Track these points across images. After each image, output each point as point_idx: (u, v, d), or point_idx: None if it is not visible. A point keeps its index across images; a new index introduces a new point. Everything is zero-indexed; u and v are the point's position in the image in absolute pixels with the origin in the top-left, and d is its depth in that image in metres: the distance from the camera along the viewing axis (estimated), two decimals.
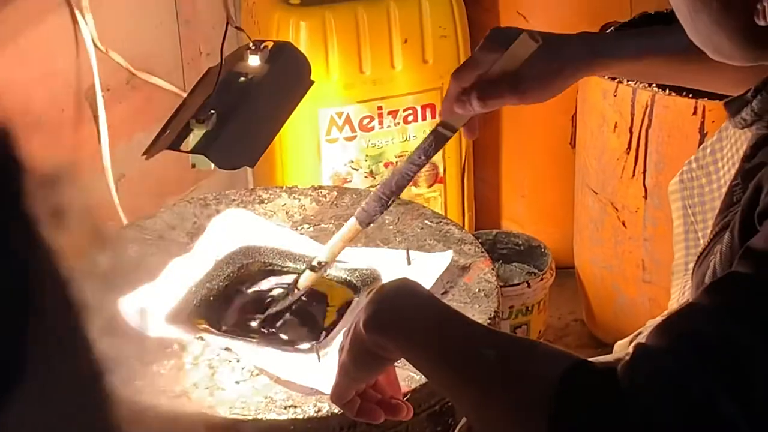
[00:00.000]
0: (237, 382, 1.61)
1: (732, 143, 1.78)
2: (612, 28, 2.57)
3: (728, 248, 1.16)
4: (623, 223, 2.60)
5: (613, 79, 2.52)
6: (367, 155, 2.63)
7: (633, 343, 1.64)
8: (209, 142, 1.69)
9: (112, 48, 2.35)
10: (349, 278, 1.84)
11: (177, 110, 1.80)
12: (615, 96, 2.51)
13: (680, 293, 1.78)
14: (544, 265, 2.76)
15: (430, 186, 2.74)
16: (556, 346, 1.10)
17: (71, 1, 2.25)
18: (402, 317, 1.17)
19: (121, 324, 1.70)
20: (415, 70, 2.61)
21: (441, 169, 2.74)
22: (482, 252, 1.90)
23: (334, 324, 1.74)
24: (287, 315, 1.76)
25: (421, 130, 2.64)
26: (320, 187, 2.15)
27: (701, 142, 2.33)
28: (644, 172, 2.51)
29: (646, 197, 2.52)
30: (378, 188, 1.64)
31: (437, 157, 2.70)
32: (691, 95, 2.40)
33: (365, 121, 2.60)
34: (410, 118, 2.63)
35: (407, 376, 1.55)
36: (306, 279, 1.74)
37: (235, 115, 1.72)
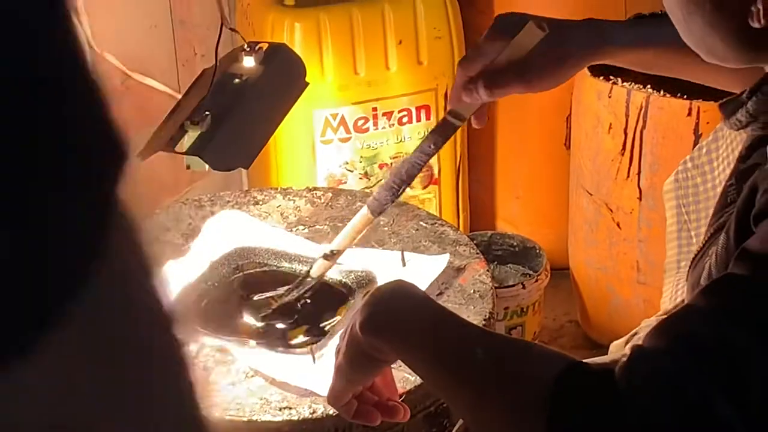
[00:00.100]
0: (232, 384, 1.61)
1: (728, 143, 1.78)
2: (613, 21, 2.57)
3: (723, 249, 1.16)
4: (618, 225, 2.60)
5: (608, 80, 2.52)
6: (361, 156, 2.63)
7: (629, 344, 1.64)
8: (204, 144, 1.68)
9: (107, 49, 2.35)
10: (344, 280, 1.84)
11: (171, 111, 1.79)
12: (610, 97, 2.52)
13: (673, 291, 1.78)
14: (539, 267, 2.76)
15: (425, 187, 2.74)
16: (551, 347, 1.10)
17: None
18: (398, 319, 1.17)
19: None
20: (409, 72, 2.61)
21: (436, 171, 2.74)
22: (477, 253, 1.90)
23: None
24: (298, 305, 1.76)
25: (415, 131, 2.64)
26: (315, 189, 2.15)
27: (696, 143, 2.33)
28: (639, 174, 2.51)
29: (640, 198, 2.53)
30: (388, 178, 1.63)
31: (432, 159, 2.70)
32: (685, 96, 2.40)
33: (360, 123, 2.60)
34: (405, 119, 2.63)
35: (403, 377, 1.55)
36: (319, 267, 1.74)
37: (229, 116, 1.72)
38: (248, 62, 1.80)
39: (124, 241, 0.43)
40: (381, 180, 2.63)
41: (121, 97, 2.46)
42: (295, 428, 1.55)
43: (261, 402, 1.57)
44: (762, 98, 1.15)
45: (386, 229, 1.97)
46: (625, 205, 2.56)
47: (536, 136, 2.96)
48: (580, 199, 2.70)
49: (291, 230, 1.99)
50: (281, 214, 2.05)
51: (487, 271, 1.85)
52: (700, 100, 2.37)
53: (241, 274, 1.88)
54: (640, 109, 2.46)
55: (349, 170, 2.63)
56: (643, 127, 2.47)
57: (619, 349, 1.68)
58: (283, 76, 1.85)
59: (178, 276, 1.82)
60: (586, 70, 2.53)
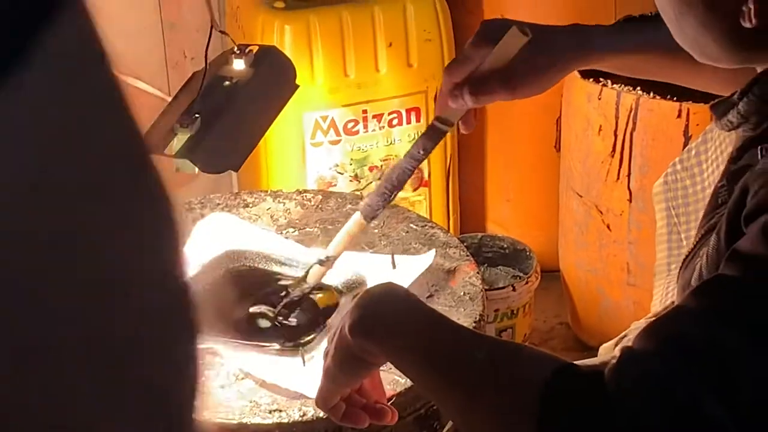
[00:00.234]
0: (222, 386, 1.61)
1: (717, 145, 1.78)
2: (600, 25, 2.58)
3: (714, 251, 1.16)
4: (608, 227, 2.60)
5: (598, 81, 2.52)
6: (352, 159, 2.62)
7: (619, 346, 1.64)
8: (193, 146, 1.68)
9: None
10: (334, 283, 1.84)
11: (161, 114, 1.79)
12: (599, 99, 2.52)
13: (663, 294, 1.78)
14: (529, 269, 2.77)
15: (415, 190, 2.74)
16: (541, 349, 1.10)
17: None
18: (388, 321, 1.17)
19: None
20: (399, 74, 2.61)
21: (426, 173, 2.74)
22: (467, 255, 1.90)
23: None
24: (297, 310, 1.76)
25: (406, 133, 2.64)
26: (305, 191, 2.15)
27: (685, 145, 2.34)
28: (629, 176, 2.51)
29: (630, 200, 2.53)
30: (380, 183, 1.64)
31: (422, 161, 2.70)
32: (675, 98, 2.40)
33: (350, 125, 2.60)
34: (395, 121, 2.63)
35: (392, 379, 1.55)
36: (315, 274, 1.74)
37: (219, 119, 1.72)
38: (238, 65, 1.80)
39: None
40: (371, 182, 2.63)
41: None
42: (284, 431, 1.55)
43: (251, 405, 1.57)
44: (753, 99, 1.15)
45: (376, 231, 1.97)
46: (615, 207, 2.57)
47: (526, 138, 2.96)
48: (570, 201, 2.70)
49: (281, 233, 1.99)
50: (271, 217, 2.05)
51: (477, 273, 1.85)
52: (690, 102, 2.37)
53: (230, 276, 1.87)
54: (630, 111, 2.46)
55: (339, 173, 2.63)
56: (633, 129, 2.47)
57: (608, 351, 1.68)
58: (273, 78, 1.84)
59: None
60: (576, 72, 2.54)
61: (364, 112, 2.60)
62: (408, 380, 1.50)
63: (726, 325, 0.97)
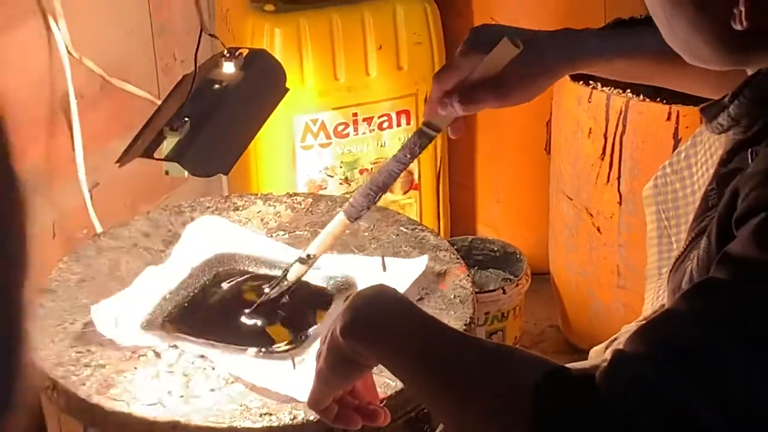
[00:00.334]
0: (212, 390, 1.61)
1: (706, 148, 1.78)
2: (590, 29, 2.58)
3: (705, 254, 1.16)
4: (598, 229, 2.60)
5: (587, 84, 2.53)
6: (342, 162, 2.62)
7: (609, 350, 1.64)
8: (182, 150, 1.68)
9: (86, 55, 2.34)
10: (324, 285, 1.84)
11: (151, 118, 1.79)
12: (589, 102, 2.52)
13: (654, 297, 1.78)
14: (519, 271, 2.77)
15: (405, 192, 2.74)
16: (532, 352, 1.10)
17: (44, 8, 2.24)
18: (379, 323, 1.17)
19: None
20: (389, 77, 2.61)
21: (416, 176, 2.74)
22: (458, 258, 1.90)
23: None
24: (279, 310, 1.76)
25: (396, 136, 2.64)
26: (295, 194, 2.14)
27: (675, 147, 2.34)
28: (619, 178, 2.52)
29: (620, 203, 2.53)
30: (365, 185, 1.65)
31: (412, 164, 2.70)
32: (665, 101, 2.41)
33: (340, 128, 2.60)
34: (385, 124, 2.63)
35: (384, 382, 1.55)
36: (296, 271, 1.74)
37: (209, 122, 1.71)
38: (228, 68, 1.80)
39: None
40: (361, 185, 2.63)
41: (100, 103, 2.45)
42: None
43: (241, 408, 1.57)
44: (744, 102, 1.15)
45: (366, 234, 1.97)
46: (605, 209, 2.57)
47: (516, 141, 2.96)
48: (561, 204, 2.70)
49: (271, 236, 1.99)
50: (261, 220, 2.05)
51: (468, 276, 1.85)
52: (680, 104, 2.37)
53: (221, 280, 1.87)
54: (620, 114, 2.47)
55: (329, 176, 2.63)
56: (623, 131, 2.47)
57: (599, 355, 1.68)
58: (263, 82, 1.84)
59: (158, 282, 1.81)
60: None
61: (354, 115, 2.60)
62: (399, 383, 1.50)
63: (717, 328, 0.97)
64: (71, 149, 2.33)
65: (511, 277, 2.81)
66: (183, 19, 2.64)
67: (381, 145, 2.64)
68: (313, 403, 1.26)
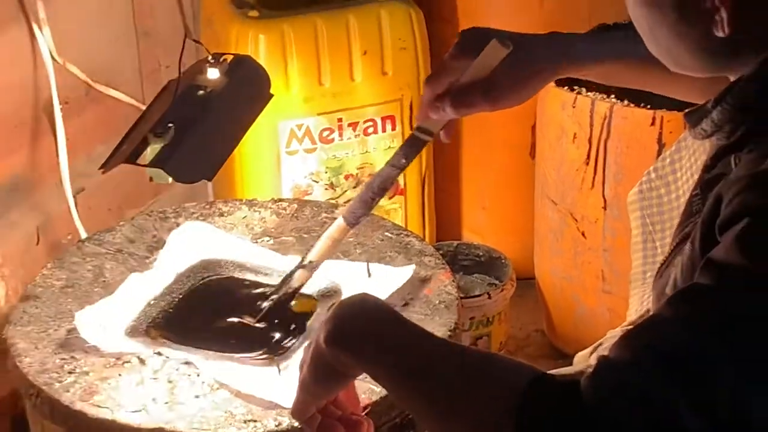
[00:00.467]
0: (196, 397, 1.60)
1: (690, 153, 1.78)
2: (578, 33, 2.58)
3: (689, 259, 1.17)
4: (583, 234, 2.60)
5: (572, 90, 2.53)
6: (327, 167, 2.62)
7: (594, 355, 1.64)
8: (166, 156, 1.68)
9: (70, 60, 2.34)
10: (309, 291, 1.83)
11: (135, 123, 1.79)
12: (574, 107, 2.52)
13: (639, 302, 1.78)
14: (504, 276, 2.77)
15: (391, 198, 2.74)
16: (516, 359, 1.10)
17: (28, 13, 2.24)
18: (363, 333, 1.17)
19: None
20: (374, 82, 2.61)
21: (402, 181, 2.74)
22: (443, 264, 1.90)
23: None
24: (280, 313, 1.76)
25: (381, 141, 2.64)
26: (280, 200, 2.14)
27: (659, 152, 2.35)
28: (603, 183, 2.52)
29: (605, 208, 2.53)
30: (362, 191, 1.65)
31: None
32: (649, 106, 2.41)
33: (325, 133, 2.60)
34: (370, 129, 2.63)
35: (367, 388, 1.55)
36: (299, 278, 1.74)
37: (193, 128, 1.71)
38: (212, 74, 1.80)
39: None
40: (346, 191, 2.63)
41: (84, 108, 2.45)
42: None
43: (226, 415, 1.57)
44: (727, 108, 1.16)
45: (351, 239, 1.97)
46: (590, 214, 2.57)
47: (501, 146, 2.96)
48: (545, 209, 2.71)
49: (256, 241, 1.99)
50: (246, 226, 2.04)
51: (453, 281, 1.85)
52: (664, 110, 2.38)
53: (206, 286, 1.87)
54: (604, 119, 2.47)
55: (314, 181, 2.62)
56: (607, 136, 2.48)
57: (583, 360, 1.68)
58: (248, 87, 1.84)
59: (143, 288, 1.81)
60: None
61: (339, 120, 2.60)
62: (383, 389, 1.50)
63: (703, 334, 0.97)
64: (56, 155, 2.33)
65: (497, 282, 2.81)
66: (168, 24, 2.63)
67: (366, 151, 2.64)
68: (297, 412, 1.26)
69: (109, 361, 1.67)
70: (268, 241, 1.99)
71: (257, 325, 1.75)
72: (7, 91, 2.25)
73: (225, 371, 1.64)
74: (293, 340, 1.71)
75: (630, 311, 1.81)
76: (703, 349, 0.96)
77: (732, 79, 1.19)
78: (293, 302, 1.78)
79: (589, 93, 2.50)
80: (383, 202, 2.70)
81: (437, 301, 1.80)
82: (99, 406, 1.58)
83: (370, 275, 1.83)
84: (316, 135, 2.59)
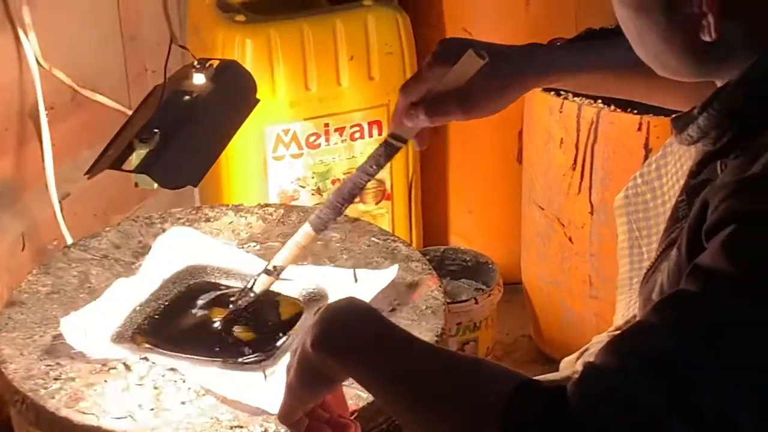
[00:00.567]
0: (182, 403, 1.60)
1: (677, 159, 1.79)
2: (558, 44, 2.58)
3: (675, 265, 1.17)
4: (570, 239, 2.60)
5: (559, 95, 2.53)
6: (314, 172, 2.62)
7: (580, 361, 1.64)
8: (152, 162, 1.67)
9: (56, 65, 2.33)
10: (295, 296, 1.83)
11: (121, 129, 1.78)
12: (561, 112, 2.52)
13: (626, 308, 1.78)
14: (491, 281, 2.77)
15: (377, 203, 2.74)
16: (502, 365, 1.09)
17: (14, 18, 2.23)
18: (350, 337, 1.17)
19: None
20: (361, 87, 2.61)
21: (388, 186, 2.74)
22: (429, 269, 1.90)
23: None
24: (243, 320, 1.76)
25: (368, 146, 2.64)
26: (267, 205, 2.14)
27: (646, 158, 2.35)
28: (590, 188, 2.52)
29: (592, 213, 2.53)
30: (331, 196, 1.65)
31: (384, 174, 2.70)
32: (635, 111, 2.41)
33: (312, 139, 2.60)
34: (357, 135, 2.63)
35: (355, 394, 1.55)
36: (262, 283, 1.74)
37: (178, 134, 1.71)
38: (198, 79, 1.79)
39: None
40: (328, 197, 2.63)
41: (70, 113, 2.44)
42: None
43: (212, 421, 1.56)
44: (713, 114, 1.16)
45: (338, 245, 1.97)
46: (577, 219, 2.57)
47: (488, 151, 2.97)
48: (533, 214, 2.71)
49: (243, 247, 1.98)
50: (233, 231, 2.04)
51: (440, 287, 1.85)
52: (650, 115, 2.38)
53: (192, 291, 1.86)
54: (591, 124, 2.47)
55: (301, 186, 2.62)
56: (594, 142, 2.48)
57: (570, 366, 1.68)
58: (234, 93, 1.84)
59: (129, 294, 1.80)
60: None
61: (326, 125, 2.60)
62: (370, 395, 1.49)
63: (690, 340, 0.97)
64: (41, 160, 2.32)
65: (484, 287, 2.81)
66: (154, 29, 2.63)
67: (353, 156, 2.64)
68: (284, 416, 1.26)
69: (95, 367, 1.66)
70: (254, 246, 1.99)
71: (215, 326, 1.75)
72: None
73: (211, 377, 1.63)
74: (279, 345, 1.71)
75: (616, 316, 1.81)
76: (690, 355, 0.96)
77: (719, 84, 1.19)
78: (280, 309, 1.78)
79: (576, 98, 2.51)
80: (370, 207, 2.72)
81: (424, 307, 1.80)
82: (84, 413, 1.57)
83: (356, 281, 1.83)
84: (303, 140, 2.59)
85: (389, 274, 1.82)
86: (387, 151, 1.60)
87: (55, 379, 1.64)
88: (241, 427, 1.55)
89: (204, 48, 2.56)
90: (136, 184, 1.70)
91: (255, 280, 1.75)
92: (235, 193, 2.59)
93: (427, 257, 2.04)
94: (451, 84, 1.48)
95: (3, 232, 2.32)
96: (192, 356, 1.68)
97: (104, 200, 2.58)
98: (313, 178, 2.62)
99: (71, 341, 1.68)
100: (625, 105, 2.43)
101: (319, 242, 1.96)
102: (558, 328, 2.73)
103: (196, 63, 1.81)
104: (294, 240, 1.70)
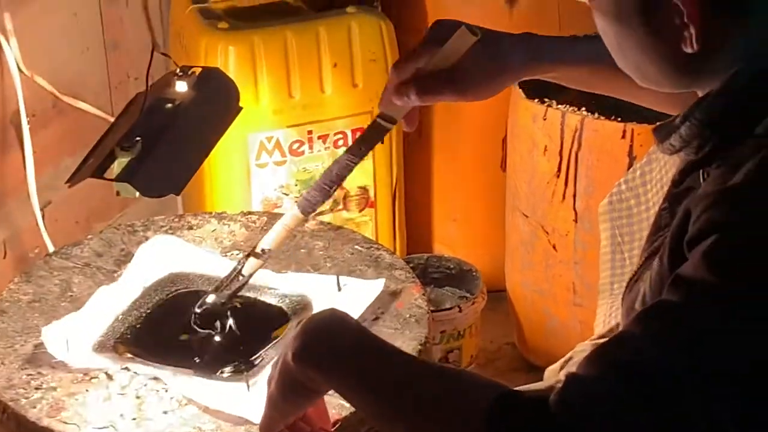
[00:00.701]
0: (165, 412, 1.59)
1: (661, 166, 1.79)
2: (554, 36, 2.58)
3: (657, 275, 1.17)
4: (554, 247, 2.60)
5: (543, 102, 2.53)
6: (297, 180, 2.61)
7: (564, 371, 1.64)
8: (134, 170, 1.66)
9: (38, 72, 2.32)
10: (279, 304, 1.82)
11: (103, 137, 1.77)
12: (545, 120, 2.52)
13: (607, 314, 1.78)
14: (475, 289, 2.76)
15: (361, 210, 2.73)
16: (484, 376, 1.09)
17: None
18: (331, 349, 1.16)
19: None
20: (344, 94, 2.61)
21: (372, 194, 2.73)
22: (413, 277, 1.89)
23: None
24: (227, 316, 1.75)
25: None
26: (250, 213, 2.13)
27: (630, 165, 2.35)
28: (574, 196, 2.52)
29: (576, 221, 2.53)
30: (319, 179, 1.63)
31: (368, 181, 2.70)
32: (619, 119, 2.41)
33: (295, 146, 2.59)
34: (340, 142, 2.63)
35: (338, 404, 1.54)
36: (251, 266, 1.72)
37: (160, 142, 1.70)
38: (181, 87, 1.78)
39: None
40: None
41: (52, 121, 2.43)
42: None
43: (194, 430, 1.56)
44: (694, 123, 1.16)
45: (321, 253, 1.96)
46: (561, 227, 2.57)
47: (472, 158, 2.96)
48: (517, 222, 2.70)
49: (226, 255, 1.97)
50: (216, 239, 2.03)
51: (423, 295, 1.85)
52: (634, 122, 2.38)
53: (174, 300, 1.86)
54: (575, 132, 2.47)
55: (284, 194, 2.62)
56: (578, 149, 2.48)
57: (553, 375, 1.68)
58: (216, 100, 1.83)
59: (111, 303, 1.79)
60: (521, 92, 2.55)
61: (309, 132, 2.60)
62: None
63: (670, 350, 0.97)
64: (23, 167, 2.31)
65: (468, 294, 2.80)
66: (136, 36, 2.62)
67: None
68: (265, 428, 1.25)
69: (77, 376, 1.65)
70: (237, 254, 1.98)
71: (198, 334, 1.74)
72: None
73: (193, 387, 1.62)
74: (262, 355, 1.70)
75: (597, 322, 1.81)
76: (672, 365, 0.97)
77: (700, 94, 1.19)
78: (263, 317, 1.77)
79: (559, 106, 2.51)
80: (353, 215, 2.71)
81: (408, 315, 1.79)
82: (66, 423, 1.56)
83: (340, 289, 1.82)
84: (286, 147, 2.58)
85: (376, 287, 1.81)
86: (376, 133, 1.57)
87: (37, 388, 1.63)
88: None
89: (187, 55, 2.55)
90: (118, 193, 1.69)
91: (243, 263, 1.73)
92: (218, 201, 2.58)
93: (411, 265, 2.04)
94: (443, 61, 1.46)
95: None
96: (174, 366, 1.68)
97: (86, 208, 2.57)
98: (296, 185, 2.62)
99: (53, 350, 1.67)
100: (608, 112, 2.43)
101: (302, 250, 1.95)
102: (542, 335, 2.73)
103: (178, 70, 1.80)
104: (282, 222, 1.68)
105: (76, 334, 1.71)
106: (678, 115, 1.18)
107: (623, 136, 2.41)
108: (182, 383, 1.63)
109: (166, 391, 1.63)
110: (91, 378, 1.65)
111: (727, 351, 0.98)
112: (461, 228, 3.06)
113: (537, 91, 2.54)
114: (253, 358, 1.69)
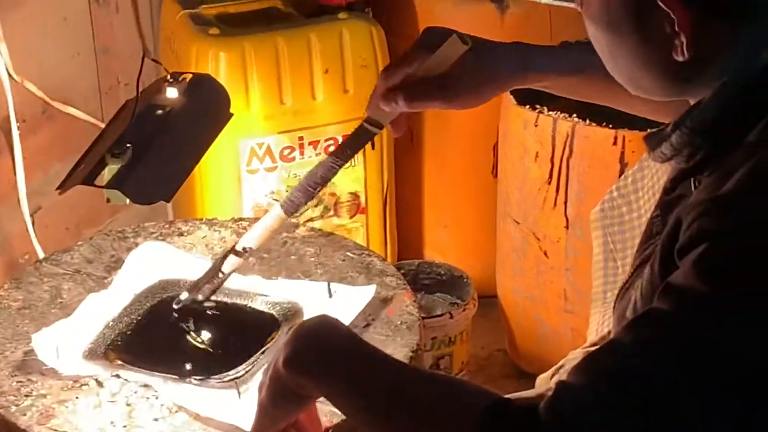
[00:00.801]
0: (155, 420, 1.59)
1: (653, 173, 1.79)
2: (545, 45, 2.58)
3: (648, 283, 1.16)
4: (545, 253, 2.60)
5: (534, 108, 2.53)
6: (288, 186, 2.61)
7: (555, 378, 1.64)
8: (124, 177, 1.66)
9: (28, 78, 2.32)
10: (270, 311, 1.82)
11: (93, 143, 1.77)
12: (536, 126, 2.52)
13: (599, 322, 1.78)
14: (466, 296, 2.76)
15: (352, 217, 2.73)
16: (475, 384, 1.09)
17: None
18: (322, 356, 1.16)
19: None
20: (336, 101, 2.60)
21: (363, 200, 2.73)
22: (404, 284, 1.89)
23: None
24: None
25: None
26: (240, 219, 2.13)
27: (621, 172, 2.35)
28: (565, 202, 2.52)
29: (567, 227, 2.53)
30: (303, 180, 1.62)
31: (359, 187, 2.70)
32: (611, 125, 2.41)
33: (286, 152, 2.59)
34: (331, 148, 2.62)
35: (329, 411, 1.53)
36: (231, 264, 1.72)
37: (151, 148, 1.70)
38: (171, 93, 1.78)
39: None
40: (307, 209, 2.62)
41: (42, 126, 2.43)
42: None
43: None
44: (686, 131, 1.16)
45: (313, 259, 1.96)
46: (552, 233, 2.57)
47: (463, 164, 2.96)
48: (508, 228, 2.70)
49: None
50: (206, 246, 2.03)
51: (414, 302, 1.84)
52: (626, 129, 2.38)
53: (165, 306, 1.85)
54: (567, 138, 2.47)
55: (275, 200, 2.61)
56: (570, 155, 2.48)
57: (545, 383, 1.68)
58: (207, 107, 1.83)
59: (101, 309, 1.79)
60: (512, 98, 2.55)
61: (300, 138, 2.59)
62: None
63: (660, 359, 0.97)
64: (12, 173, 2.31)
65: (459, 301, 2.80)
66: (127, 42, 2.62)
67: None
68: None
69: (67, 383, 1.65)
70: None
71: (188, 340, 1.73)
72: None
73: (184, 394, 1.62)
74: (253, 362, 1.69)
75: (590, 330, 1.81)
76: (662, 373, 0.97)
77: (691, 102, 1.18)
78: (255, 324, 1.77)
79: (551, 112, 2.51)
80: (345, 221, 2.71)
81: (399, 322, 1.79)
82: (56, 430, 1.56)
83: (331, 295, 1.82)
84: (277, 153, 2.58)
85: (367, 293, 1.81)
86: (361, 137, 1.56)
87: (26, 395, 1.62)
88: None
89: (177, 61, 2.55)
90: (108, 200, 1.69)
91: (221, 261, 1.72)
92: (209, 207, 2.58)
93: (402, 271, 2.03)
94: (433, 69, 1.45)
95: None
96: (165, 373, 1.67)
97: (76, 214, 2.56)
98: (287, 191, 2.61)
99: (43, 357, 1.67)
100: (600, 119, 2.43)
101: (293, 257, 1.95)
102: (533, 342, 2.73)
103: (169, 76, 1.80)
104: (263, 222, 1.68)
105: (67, 340, 1.70)
106: (669, 123, 1.18)
107: (614, 143, 2.41)
108: (173, 390, 1.63)
109: (157, 398, 1.62)
110: (82, 385, 1.65)
111: (718, 359, 0.98)
112: (452, 234, 3.06)
113: (528, 97, 2.54)
114: (244, 365, 1.69)
